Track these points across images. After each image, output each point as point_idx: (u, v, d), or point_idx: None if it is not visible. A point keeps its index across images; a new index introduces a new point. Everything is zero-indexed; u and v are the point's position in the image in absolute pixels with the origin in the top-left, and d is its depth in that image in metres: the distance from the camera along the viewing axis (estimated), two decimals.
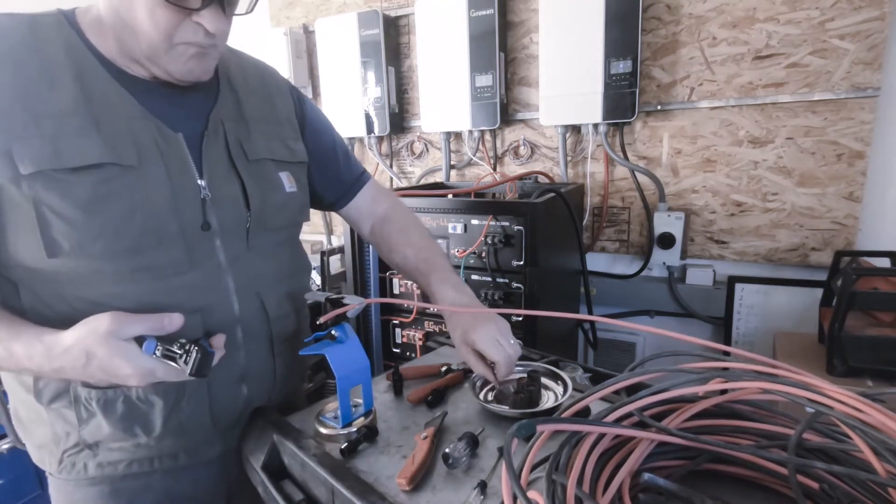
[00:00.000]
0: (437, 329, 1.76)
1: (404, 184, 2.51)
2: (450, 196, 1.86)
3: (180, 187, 0.71)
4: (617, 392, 0.67)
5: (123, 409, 0.72)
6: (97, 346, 0.60)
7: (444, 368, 0.92)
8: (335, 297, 0.76)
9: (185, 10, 0.63)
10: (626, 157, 1.98)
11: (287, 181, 0.84)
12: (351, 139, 2.55)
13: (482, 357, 0.80)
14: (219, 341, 0.71)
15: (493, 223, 1.56)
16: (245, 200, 0.77)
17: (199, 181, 0.73)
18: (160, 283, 0.69)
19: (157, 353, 0.63)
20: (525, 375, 0.83)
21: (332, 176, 0.97)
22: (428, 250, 0.96)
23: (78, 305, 0.67)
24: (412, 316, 1.78)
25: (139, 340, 0.63)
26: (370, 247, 1.77)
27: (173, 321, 0.65)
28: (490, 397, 0.83)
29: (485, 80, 2.05)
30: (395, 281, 1.79)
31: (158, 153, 0.69)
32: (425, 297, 1.69)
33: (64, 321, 0.64)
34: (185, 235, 0.71)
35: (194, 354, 0.63)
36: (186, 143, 0.72)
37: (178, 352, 0.63)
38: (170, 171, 0.70)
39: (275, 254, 0.84)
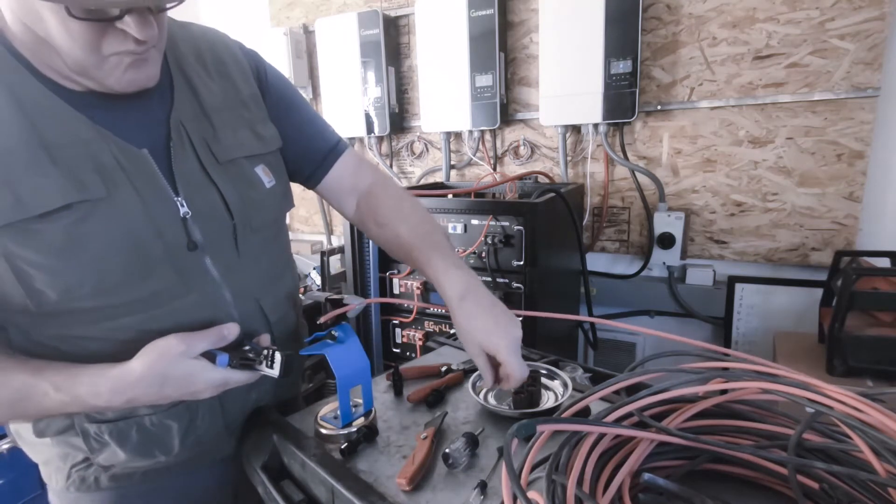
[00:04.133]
0: (436, 329, 1.76)
1: (404, 184, 2.51)
2: (450, 196, 1.86)
3: (157, 210, 0.64)
4: (617, 392, 0.67)
5: (138, 437, 0.70)
6: (171, 368, 0.61)
7: (444, 368, 0.91)
8: (335, 297, 0.76)
9: (104, 20, 0.54)
10: (626, 157, 1.98)
11: (264, 175, 0.77)
12: (351, 139, 2.55)
13: (492, 362, 0.72)
14: (265, 341, 0.71)
15: (493, 223, 1.56)
16: (226, 208, 0.71)
17: (175, 198, 0.66)
18: (159, 311, 0.66)
19: (233, 364, 0.65)
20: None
21: (303, 150, 0.86)
22: (424, 225, 0.85)
23: (80, 342, 0.64)
24: (412, 316, 1.78)
25: (206, 355, 0.64)
26: (370, 246, 1.77)
27: (231, 331, 0.66)
28: (490, 397, 0.83)
29: (485, 80, 2.05)
30: (396, 281, 1.79)
31: (125, 176, 0.62)
32: (424, 290, 1.70)
33: (66, 359, 0.62)
34: (174, 260, 0.66)
35: (279, 357, 0.66)
36: (153, 158, 0.65)
37: (256, 358, 0.66)
38: (142, 195, 0.63)
39: (266, 253, 0.80)
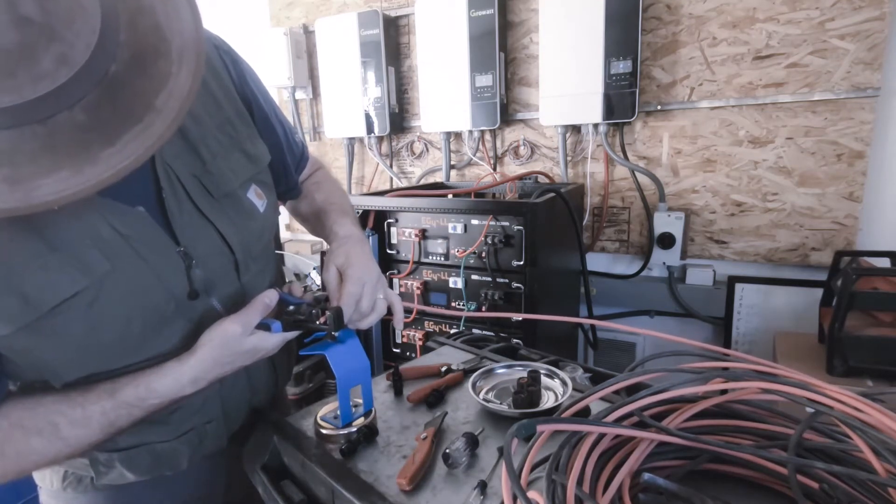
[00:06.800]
0: (436, 329, 1.76)
1: (404, 184, 2.51)
2: (450, 196, 1.86)
3: (163, 268, 0.63)
4: (617, 392, 0.67)
5: (149, 461, 0.72)
6: (236, 347, 0.65)
7: (444, 368, 0.91)
8: None
9: None
10: (626, 157, 1.98)
11: (257, 199, 0.76)
12: (351, 139, 2.55)
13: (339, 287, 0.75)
14: (297, 290, 0.75)
15: (493, 223, 1.56)
16: (227, 245, 0.71)
17: (177, 249, 0.65)
18: (171, 347, 0.67)
19: (286, 328, 0.71)
20: (525, 375, 0.83)
21: (279, 166, 0.85)
22: (337, 196, 0.93)
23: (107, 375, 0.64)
24: (412, 316, 1.78)
25: (260, 326, 0.69)
26: (371, 246, 1.77)
27: (272, 298, 0.69)
28: (490, 397, 0.83)
29: (485, 80, 2.05)
30: (396, 281, 1.79)
31: (125, 243, 0.60)
32: (424, 290, 1.70)
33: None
34: (184, 310, 0.67)
35: (330, 316, 0.69)
36: (149, 212, 0.63)
37: (307, 319, 0.71)
38: (145, 257, 0.62)
39: (264, 271, 0.81)
